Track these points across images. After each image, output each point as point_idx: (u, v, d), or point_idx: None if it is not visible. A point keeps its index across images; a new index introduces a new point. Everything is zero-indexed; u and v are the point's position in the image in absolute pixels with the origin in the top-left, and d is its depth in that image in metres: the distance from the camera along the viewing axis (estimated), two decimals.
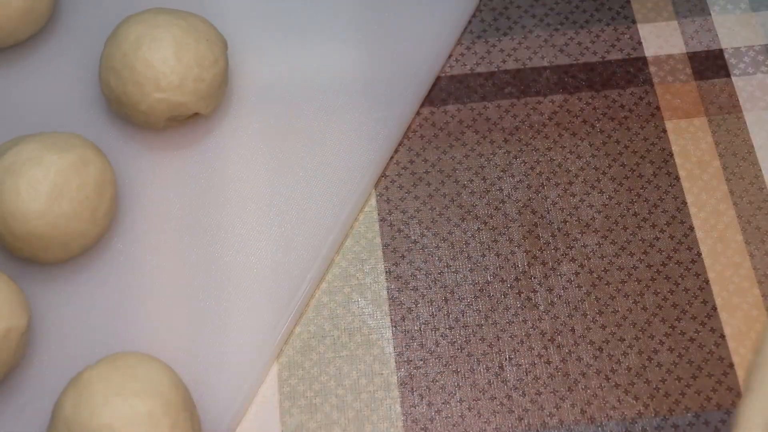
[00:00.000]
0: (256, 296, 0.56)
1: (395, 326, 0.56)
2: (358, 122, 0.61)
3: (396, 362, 0.55)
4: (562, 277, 0.57)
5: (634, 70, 0.63)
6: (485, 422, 0.54)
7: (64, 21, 0.63)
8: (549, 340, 0.56)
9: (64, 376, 0.51)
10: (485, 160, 0.61)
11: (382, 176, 0.60)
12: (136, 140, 0.60)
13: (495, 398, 0.55)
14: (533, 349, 0.56)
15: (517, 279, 0.57)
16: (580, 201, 0.60)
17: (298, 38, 0.63)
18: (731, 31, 0.65)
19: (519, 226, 0.59)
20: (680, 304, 0.57)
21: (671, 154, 0.61)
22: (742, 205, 0.59)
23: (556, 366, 0.55)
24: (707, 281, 0.57)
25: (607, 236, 0.58)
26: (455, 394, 0.55)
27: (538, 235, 0.59)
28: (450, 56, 0.64)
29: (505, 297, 0.57)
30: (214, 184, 0.59)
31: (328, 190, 0.59)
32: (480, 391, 0.55)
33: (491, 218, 0.59)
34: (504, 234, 0.59)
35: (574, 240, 0.58)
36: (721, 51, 0.64)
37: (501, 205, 0.59)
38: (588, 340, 0.56)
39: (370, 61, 0.62)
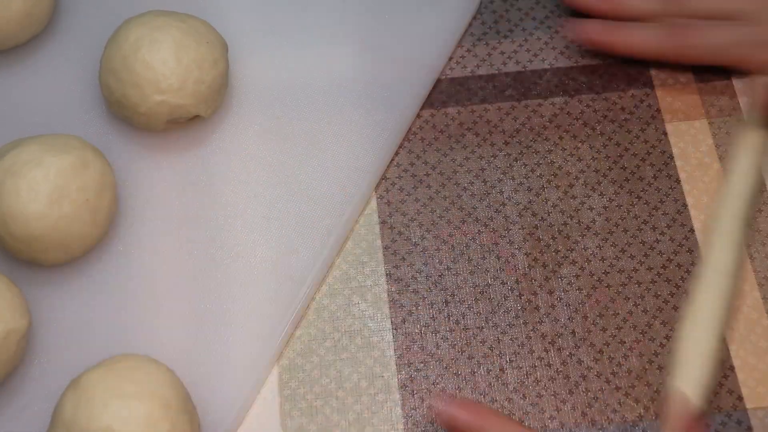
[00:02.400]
0: (257, 299, 0.56)
1: (396, 329, 0.56)
2: (359, 124, 0.61)
3: (397, 365, 0.55)
4: (562, 280, 0.57)
5: (634, 72, 0.63)
6: None
7: (64, 23, 0.63)
8: (549, 342, 0.56)
9: (64, 379, 0.51)
10: (486, 163, 0.61)
11: (383, 179, 0.60)
12: (136, 142, 0.59)
13: (495, 401, 0.54)
14: (534, 351, 0.56)
15: (517, 281, 0.57)
16: (580, 203, 0.59)
17: (299, 40, 0.63)
18: None
19: (519, 229, 0.59)
20: (681, 306, 0.56)
21: (672, 157, 0.61)
22: None
23: (557, 369, 0.55)
24: None
25: (608, 239, 0.58)
26: (456, 397, 0.55)
27: (539, 237, 0.59)
28: (450, 58, 0.64)
29: (505, 299, 0.57)
30: (215, 187, 0.59)
31: (328, 192, 0.59)
32: (480, 394, 0.55)
33: (492, 221, 0.59)
34: (504, 236, 0.59)
35: (574, 243, 0.58)
36: None
37: (501, 207, 0.59)
38: (588, 343, 0.56)
39: (370, 63, 0.62)
